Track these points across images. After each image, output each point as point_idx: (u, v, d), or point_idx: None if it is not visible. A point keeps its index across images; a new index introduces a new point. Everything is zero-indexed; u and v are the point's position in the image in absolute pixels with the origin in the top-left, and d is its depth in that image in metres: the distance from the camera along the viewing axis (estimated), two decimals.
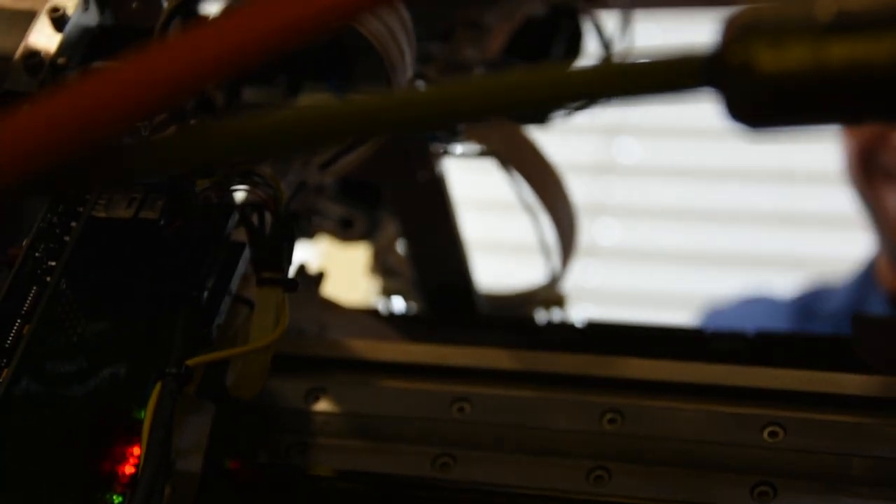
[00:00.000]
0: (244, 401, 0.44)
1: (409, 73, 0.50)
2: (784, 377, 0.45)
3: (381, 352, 0.50)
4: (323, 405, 0.47)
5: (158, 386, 0.40)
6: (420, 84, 0.55)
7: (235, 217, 0.45)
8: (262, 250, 0.44)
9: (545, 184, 0.61)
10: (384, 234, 0.68)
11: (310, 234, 0.66)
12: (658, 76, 0.22)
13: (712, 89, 0.22)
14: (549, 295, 0.66)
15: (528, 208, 0.63)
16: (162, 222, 0.44)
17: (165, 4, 0.49)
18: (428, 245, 0.67)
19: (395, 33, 0.48)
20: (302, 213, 0.63)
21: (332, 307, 0.60)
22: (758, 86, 0.21)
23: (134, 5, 0.51)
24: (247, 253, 0.46)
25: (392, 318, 0.70)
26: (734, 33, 0.22)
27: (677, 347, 0.62)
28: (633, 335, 0.66)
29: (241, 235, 0.45)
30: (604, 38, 0.63)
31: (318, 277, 0.58)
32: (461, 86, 0.28)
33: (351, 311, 0.61)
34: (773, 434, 0.43)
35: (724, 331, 0.63)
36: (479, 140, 0.61)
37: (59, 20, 0.49)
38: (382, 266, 0.72)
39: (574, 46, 0.65)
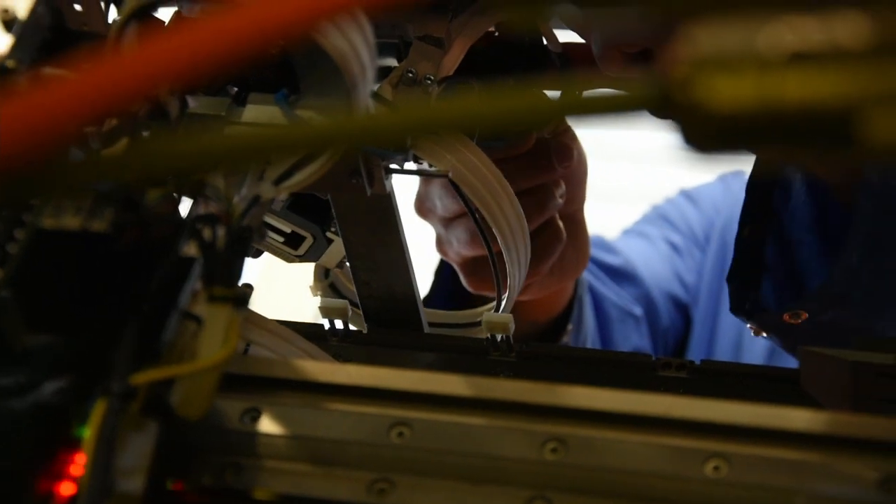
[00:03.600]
0: (189, 420, 0.42)
1: (370, 88, 0.49)
2: (730, 410, 0.44)
3: (320, 372, 0.49)
4: (259, 426, 0.46)
5: (102, 403, 0.39)
6: (371, 102, 0.55)
7: (186, 230, 0.44)
8: (214, 266, 0.43)
9: (498, 205, 0.61)
10: (330, 251, 0.67)
11: (255, 251, 0.65)
12: (612, 106, 0.21)
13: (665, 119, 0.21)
14: (494, 318, 0.65)
15: (479, 228, 0.63)
16: (112, 235, 0.43)
17: (105, 7, 0.48)
18: (374, 263, 0.66)
19: (358, 49, 0.47)
20: (255, 229, 0.62)
21: (261, 323, 0.59)
22: (709, 119, 0.21)
23: (77, 8, 0.49)
24: (197, 268, 0.44)
25: (333, 336, 0.69)
26: (687, 66, 0.21)
27: (622, 374, 0.62)
28: (576, 360, 0.65)
29: (192, 250, 0.44)
30: (560, 56, 0.62)
31: (247, 291, 0.57)
32: (417, 110, 0.28)
33: (282, 328, 0.59)
34: (716, 468, 0.42)
35: (670, 359, 0.62)
36: (430, 157, 0.61)
37: (8, 22, 0.48)
38: (327, 284, 0.71)
39: (533, 62, 0.65)
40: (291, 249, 0.68)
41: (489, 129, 0.26)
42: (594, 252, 1.16)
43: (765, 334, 0.79)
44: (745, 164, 0.85)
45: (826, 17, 0.21)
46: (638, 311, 1.19)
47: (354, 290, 0.70)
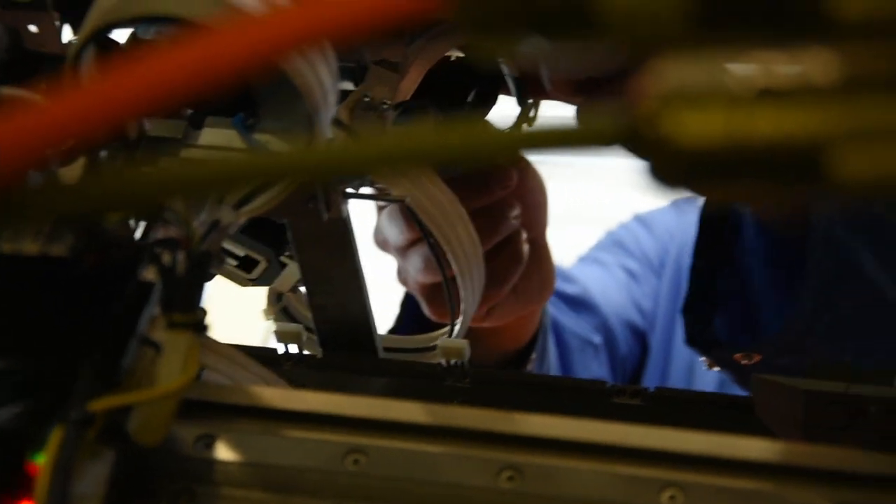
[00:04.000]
0: (146, 447, 0.42)
1: (332, 115, 0.49)
2: (686, 439, 0.44)
3: (276, 399, 0.48)
4: (214, 452, 0.46)
5: (59, 430, 0.38)
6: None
7: (146, 255, 0.44)
8: (173, 291, 0.43)
9: (452, 229, 0.61)
10: (284, 275, 0.67)
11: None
12: (576, 140, 0.21)
13: (631, 153, 0.21)
14: (449, 343, 0.65)
15: (434, 253, 0.63)
16: (71, 260, 0.42)
17: (61, 29, 0.48)
18: (330, 287, 0.66)
19: (321, 76, 0.47)
20: (214, 254, 0.62)
21: (214, 348, 0.58)
22: (677, 155, 0.21)
23: (33, 29, 0.49)
24: (156, 293, 0.44)
25: (287, 361, 0.68)
26: (655, 101, 0.21)
27: (577, 401, 0.62)
28: (530, 387, 0.65)
29: (151, 274, 0.44)
30: (516, 81, 0.63)
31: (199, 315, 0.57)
32: (379, 143, 0.28)
33: (237, 353, 0.59)
34: (672, 497, 0.43)
35: (624, 386, 0.62)
36: (387, 182, 0.61)
37: None
38: (279, 308, 0.70)
39: (488, 86, 0.65)
40: (245, 273, 0.67)
41: (452, 164, 0.27)
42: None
43: (717, 369, 0.80)
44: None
45: (795, 52, 0.21)
46: (597, 339, 1.20)
47: (308, 314, 0.70)
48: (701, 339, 0.79)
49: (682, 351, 1.22)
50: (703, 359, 0.80)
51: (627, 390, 0.62)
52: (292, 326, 0.68)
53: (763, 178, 0.21)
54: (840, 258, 0.72)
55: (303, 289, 0.71)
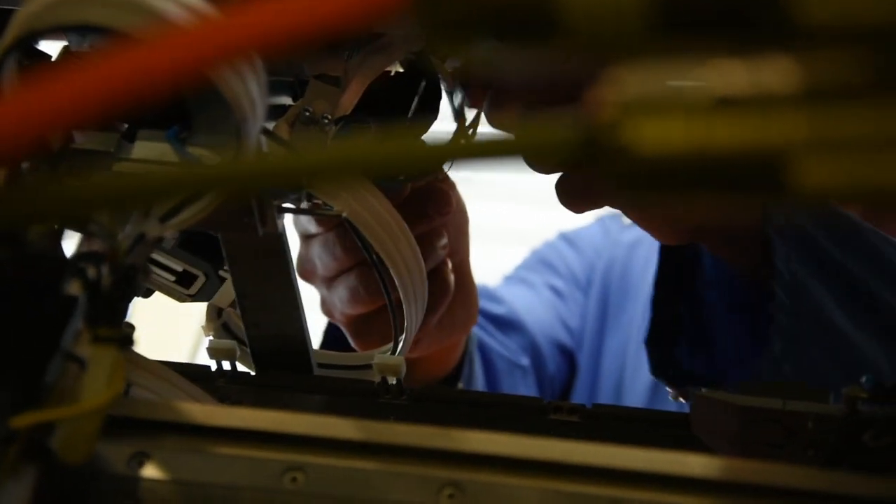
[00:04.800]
0: (71, 465, 0.41)
1: (259, 127, 0.48)
2: (627, 455, 0.44)
3: (210, 416, 0.47)
4: (148, 471, 0.45)
5: None
6: (265, 141, 0.54)
7: (70, 269, 0.43)
8: (98, 305, 0.42)
9: (396, 247, 0.60)
10: (223, 290, 0.66)
11: (144, 290, 0.64)
12: (532, 150, 0.21)
13: (590, 163, 0.21)
14: (386, 360, 0.65)
15: (378, 271, 0.62)
16: None
17: None
18: (264, 303, 0.65)
19: (249, 87, 0.46)
20: (140, 268, 0.61)
21: (142, 364, 0.57)
22: (637, 163, 0.20)
23: None
24: (81, 307, 0.43)
25: (220, 378, 0.67)
26: (614, 109, 0.21)
27: (514, 418, 0.61)
28: (468, 404, 0.65)
29: (75, 288, 0.43)
30: (457, 102, 0.62)
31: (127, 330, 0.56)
32: (308, 154, 0.27)
33: (165, 369, 0.58)
34: None
35: (562, 402, 0.62)
36: (325, 196, 0.60)
37: None
38: (219, 323, 0.69)
39: (429, 100, 0.65)
40: (183, 288, 0.66)
41: (383, 174, 0.26)
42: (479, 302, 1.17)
43: (682, 400, 0.80)
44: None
45: (757, 61, 0.21)
46: (525, 361, 1.20)
47: (244, 330, 0.69)
48: (666, 371, 0.79)
49: (609, 369, 1.23)
50: (668, 389, 0.80)
51: (565, 407, 0.62)
52: (225, 343, 0.67)
53: (725, 188, 0.21)
54: (806, 304, 0.73)
55: None
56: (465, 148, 0.22)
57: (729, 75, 0.21)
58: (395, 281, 0.61)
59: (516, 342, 1.21)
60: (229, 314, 0.70)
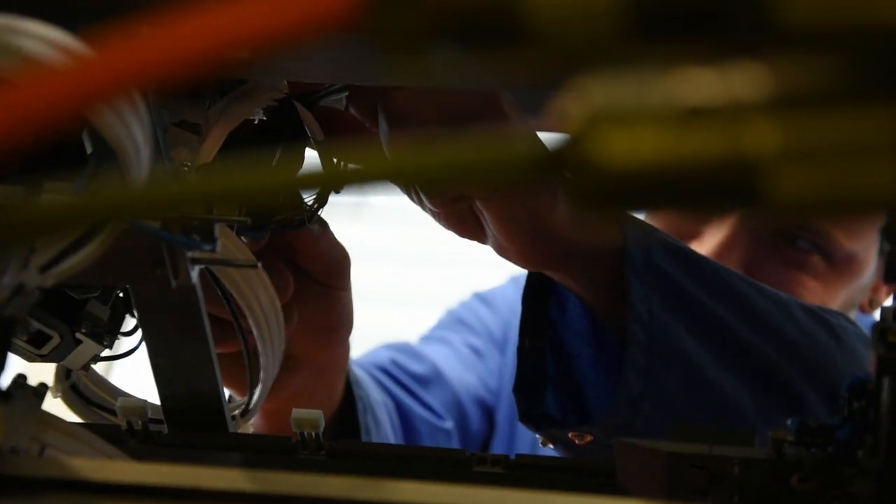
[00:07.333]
0: None
1: (146, 167, 0.47)
2: (558, 502, 0.43)
3: (111, 472, 0.46)
4: None
5: None
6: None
7: None
8: None
9: (254, 297, 0.60)
10: (78, 352, 0.64)
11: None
12: (496, 166, 0.20)
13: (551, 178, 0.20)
14: (303, 414, 0.63)
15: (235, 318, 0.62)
16: None
17: None
18: (176, 360, 0.63)
19: (131, 128, 0.45)
20: (18, 320, 0.59)
21: (56, 424, 0.55)
22: (605, 177, 0.20)
23: None
24: None
25: (131, 438, 0.65)
26: (581, 121, 0.20)
27: (437, 471, 0.60)
28: (389, 458, 0.64)
29: None
30: (320, 144, 0.63)
31: (40, 391, 0.53)
32: (177, 184, 0.27)
33: (79, 429, 0.56)
34: None
35: (485, 454, 0.62)
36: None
37: None
38: (68, 385, 0.67)
39: (292, 146, 0.65)
40: (34, 349, 0.63)
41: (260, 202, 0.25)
42: (400, 359, 1.16)
43: (552, 446, 0.79)
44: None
45: (728, 70, 0.20)
46: (448, 424, 1.18)
47: (100, 392, 0.68)
48: (533, 417, 0.79)
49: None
50: (538, 435, 0.79)
51: (488, 459, 0.61)
52: (136, 401, 0.65)
53: (696, 200, 0.20)
54: (662, 340, 0.73)
55: (96, 366, 0.68)
56: (412, 165, 0.21)
57: (699, 84, 0.20)
58: (253, 330, 0.61)
59: (439, 399, 1.20)
60: (80, 377, 0.68)
